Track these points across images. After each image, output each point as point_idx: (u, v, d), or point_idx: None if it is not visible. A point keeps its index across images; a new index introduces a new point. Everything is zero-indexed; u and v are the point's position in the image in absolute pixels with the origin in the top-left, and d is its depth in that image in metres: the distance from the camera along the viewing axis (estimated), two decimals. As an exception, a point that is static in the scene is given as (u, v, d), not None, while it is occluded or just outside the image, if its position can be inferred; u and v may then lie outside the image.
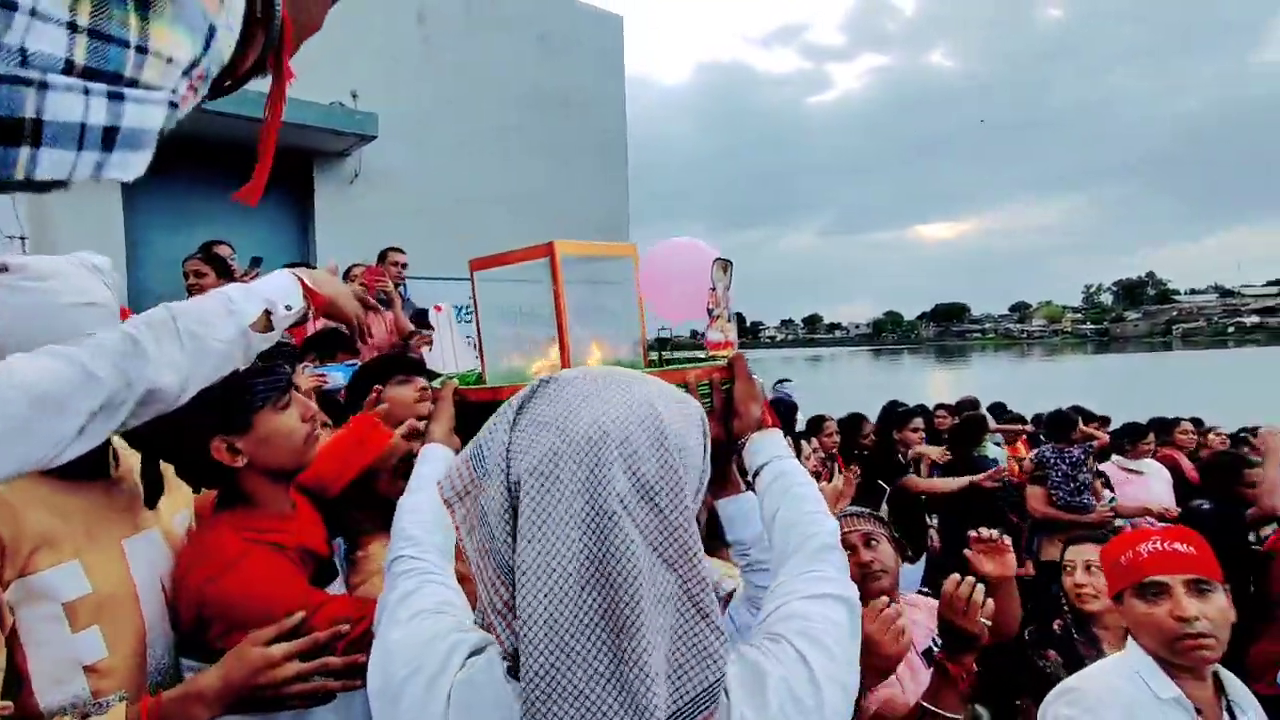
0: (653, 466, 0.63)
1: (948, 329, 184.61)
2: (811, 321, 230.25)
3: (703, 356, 1.27)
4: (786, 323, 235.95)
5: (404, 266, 4.77)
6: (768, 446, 1.08)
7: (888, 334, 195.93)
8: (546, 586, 0.59)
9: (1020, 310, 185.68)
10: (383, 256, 4.70)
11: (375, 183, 5.61)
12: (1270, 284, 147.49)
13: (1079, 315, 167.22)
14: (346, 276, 4.24)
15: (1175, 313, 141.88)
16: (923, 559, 3.82)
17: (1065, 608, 2.17)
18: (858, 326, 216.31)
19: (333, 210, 5.48)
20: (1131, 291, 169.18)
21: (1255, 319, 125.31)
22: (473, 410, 1.15)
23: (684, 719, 0.61)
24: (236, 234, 4.36)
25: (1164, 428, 4.97)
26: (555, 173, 6.54)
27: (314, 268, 5.13)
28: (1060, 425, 3.91)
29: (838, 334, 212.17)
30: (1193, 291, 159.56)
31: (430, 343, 3.89)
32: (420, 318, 4.56)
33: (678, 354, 1.45)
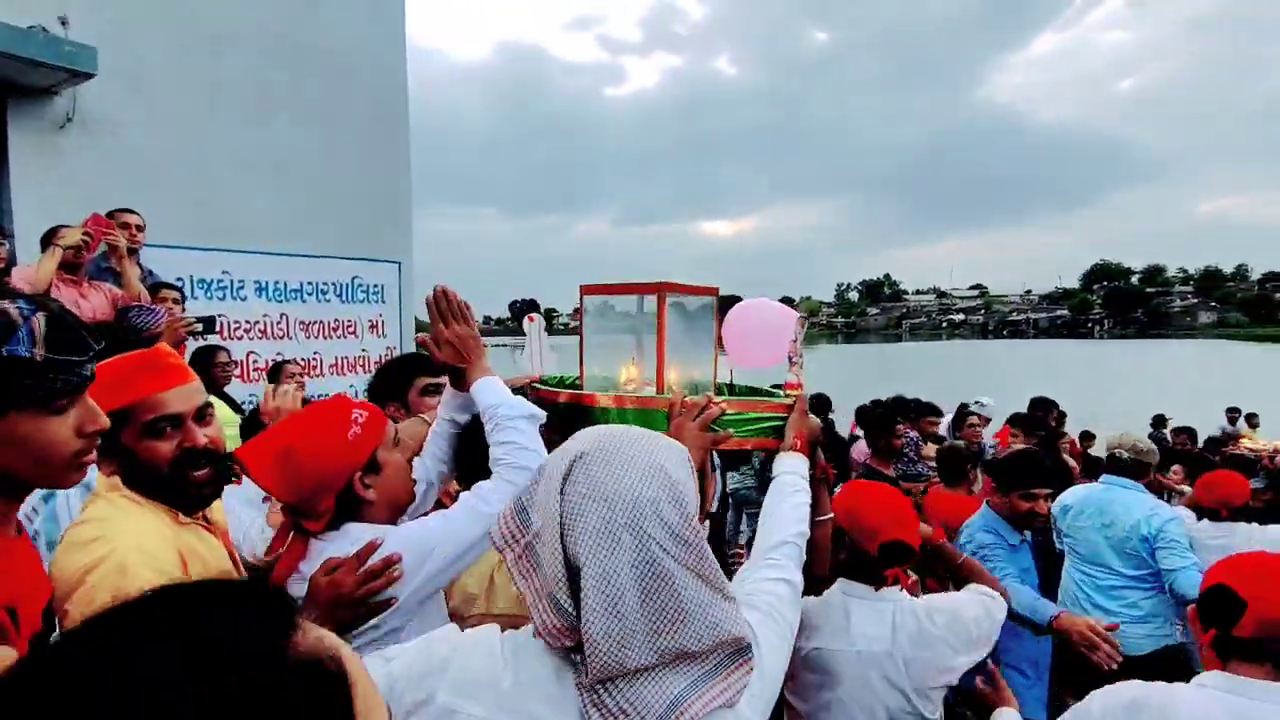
0: (674, 514, 0.90)
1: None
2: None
3: (778, 394, 1.64)
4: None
5: (140, 229, 4.11)
6: (784, 464, 1.48)
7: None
8: (609, 606, 0.86)
9: (787, 304, 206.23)
10: (110, 217, 4.00)
11: (95, 131, 4.73)
12: (971, 288, 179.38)
13: (832, 309, 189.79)
14: (50, 237, 3.53)
15: (905, 309, 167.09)
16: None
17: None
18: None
19: (35, 159, 4.52)
20: (872, 290, 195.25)
21: (961, 317, 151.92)
22: (560, 410, 1.56)
23: (735, 656, 0.92)
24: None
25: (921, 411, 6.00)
26: (322, 139, 5.94)
27: (9, 229, 4.08)
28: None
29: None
30: (917, 291, 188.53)
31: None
32: (158, 290, 3.95)
33: (745, 385, 1.86)
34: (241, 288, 5.31)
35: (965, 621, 1.62)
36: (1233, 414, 10.70)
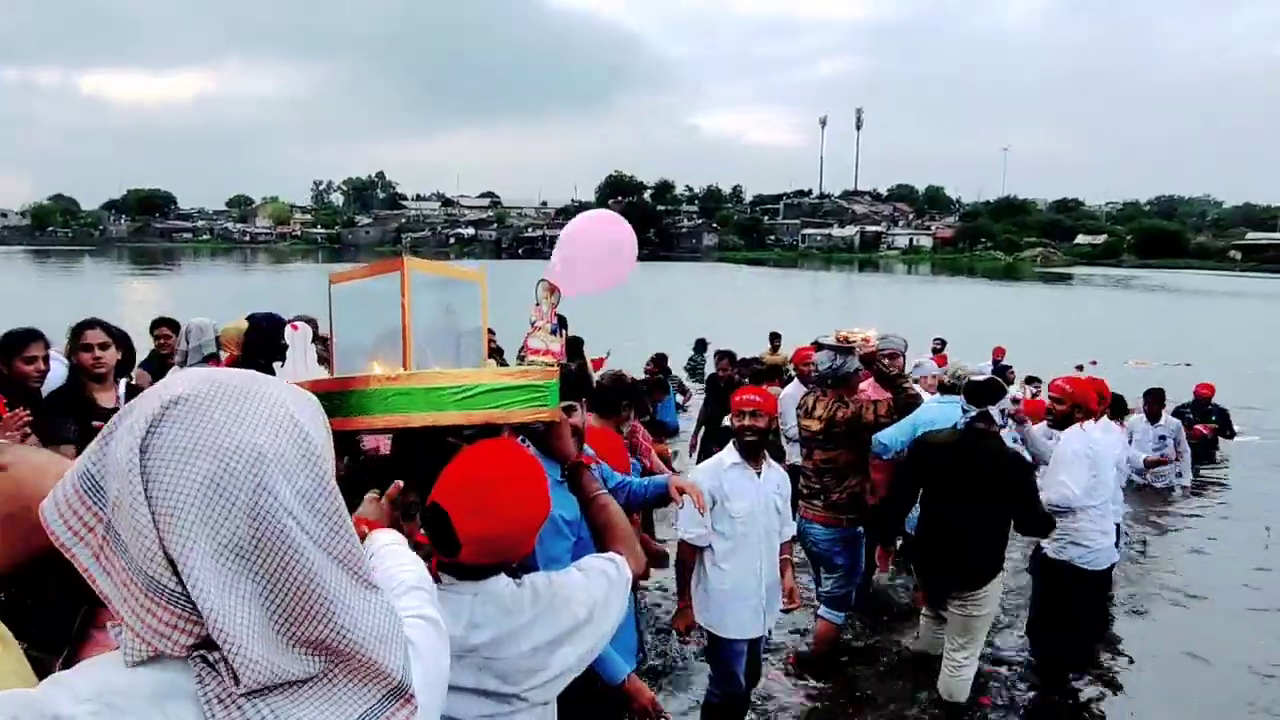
0: (307, 478, 0.94)
1: (148, 225, 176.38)
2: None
3: (538, 363, 2.00)
4: None
5: None
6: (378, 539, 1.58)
7: (58, 229, 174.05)
8: (235, 603, 0.87)
9: (241, 206, 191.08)
10: None
11: None
12: (482, 196, 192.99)
13: (309, 217, 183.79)
14: None
15: (404, 219, 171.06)
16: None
17: None
18: (6, 216, 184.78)
19: None
20: (362, 193, 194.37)
21: (472, 231, 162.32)
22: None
23: (394, 696, 0.99)
24: None
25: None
26: None
27: None
28: None
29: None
30: (419, 197, 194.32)
31: None
32: None
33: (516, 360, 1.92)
34: None
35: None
36: (936, 343, 12.23)
